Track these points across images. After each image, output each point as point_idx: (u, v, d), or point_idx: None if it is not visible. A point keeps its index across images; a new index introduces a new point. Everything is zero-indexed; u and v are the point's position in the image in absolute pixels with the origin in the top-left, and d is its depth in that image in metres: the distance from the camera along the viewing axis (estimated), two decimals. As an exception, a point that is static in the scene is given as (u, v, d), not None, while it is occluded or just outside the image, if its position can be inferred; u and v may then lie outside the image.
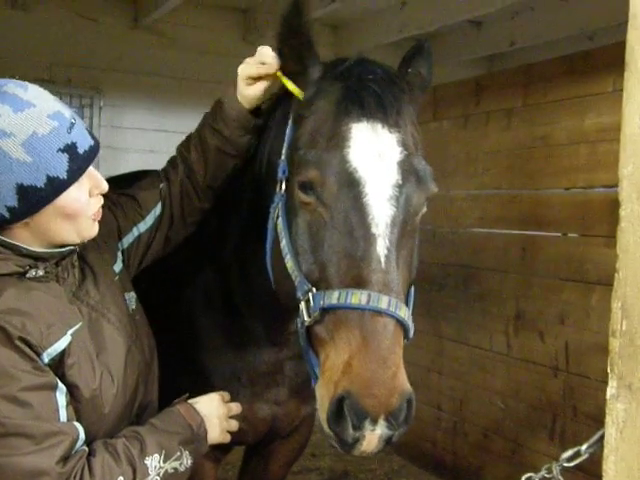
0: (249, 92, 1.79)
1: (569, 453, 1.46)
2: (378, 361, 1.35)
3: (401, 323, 1.44)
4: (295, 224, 1.58)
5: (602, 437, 1.39)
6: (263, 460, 2.41)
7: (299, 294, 1.51)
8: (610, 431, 1.36)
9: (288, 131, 1.71)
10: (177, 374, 1.97)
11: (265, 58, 1.73)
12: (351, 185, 1.50)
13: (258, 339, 2.06)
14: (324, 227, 1.51)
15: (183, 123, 3.02)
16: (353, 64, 1.66)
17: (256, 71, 1.74)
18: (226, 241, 2.04)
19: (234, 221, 2.01)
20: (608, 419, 1.36)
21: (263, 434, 2.19)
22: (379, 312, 1.40)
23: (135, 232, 1.83)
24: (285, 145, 1.70)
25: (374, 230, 1.47)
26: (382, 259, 1.45)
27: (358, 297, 1.40)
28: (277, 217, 1.66)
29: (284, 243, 1.60)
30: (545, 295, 3.51)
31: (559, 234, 3.46)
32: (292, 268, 1.56)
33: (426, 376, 4.27)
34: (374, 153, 1.52)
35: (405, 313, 1.44)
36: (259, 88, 1.79)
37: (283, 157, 1.69)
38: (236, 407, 1.78)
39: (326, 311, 1.45)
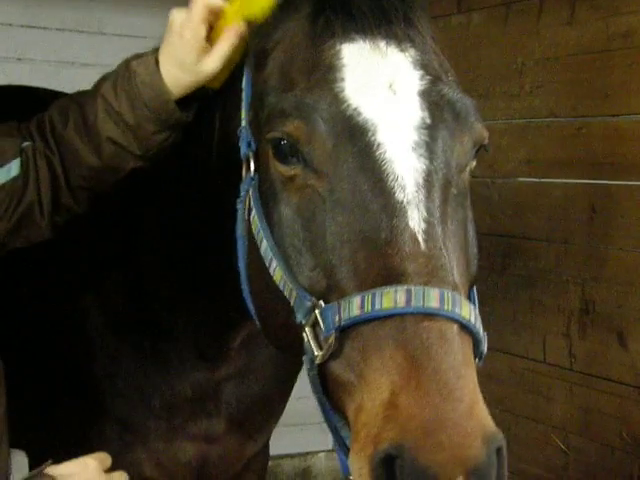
0: (206, 66, 1.82)
1: None
2: (440, 391, 1.33)
3: (466, 327, 1.45)
4: (278, 215, 1.62)
5: None
6: None
7: (300, 316, 1.53)
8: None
9: (245, 84, 1.78)
10: (57, 402, 2.09)
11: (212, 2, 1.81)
12: (354, 135, 1.53)
13: (182, 352, 2.18)
14: (322, 207, 1.55)
15: (69, 17, 2.94)
16: None
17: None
18: (141, 240, 2.19)
19: (155, 216, 2.15)
20: None
21: None
22: (429, 314, 1.40)
23: None
24: (244, 104, 1.77)
25: (400, 196, 1.49)
26: (420, 236, 1.47)
27: (392, 297, 1.41)
28: (249, 213, 1.71)
29: (265, 247, 1.64)
30: (627, 277, 3.54)
31: (647, 183, 3.50)
32: (283, 280, 1.59)
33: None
34: (381, 83, 1.56)
35: (470, 312, 1.46)
36: (219, 56, 1.81)
37: (244, 123, 1.76)
38: (120, 477, 1.81)
39: (346, 332, 1.45)
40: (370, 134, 1.54)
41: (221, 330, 2.13)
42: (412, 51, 1.63)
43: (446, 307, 1.42)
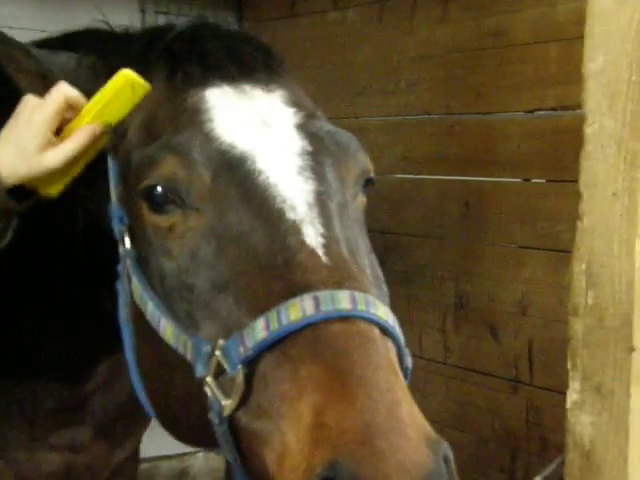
0: (47, 161, 1.68)
1: None
2: (371, 396, 1.26)
3: (386, 330, 1.40)
4: (160, 271, 1.59)
5: (562, 464, 1.44)
6: None
7: (200, 368, 1.45)
8: (572, 456, 1.40)
9: (110, 162, 1.75)
10: None
11: (74, 93, 1.72)
12: (232, 166, 1.53)
13: (47, 370, 2.13)
14: (208, 247, 1.51)
15: None
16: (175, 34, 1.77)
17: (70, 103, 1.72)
18: None
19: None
20: (569, 439, 1.39)
21: None
22: (342, 317, 1.35)
23: None
24: (112, 182, 1.74)
25: (291, 216, 1.48)
26: (320, 250, 1.45)
27: (299, 306, 1.35)
28: (129, 283, 1.67)
29: (151, 309, 1.59)
30: (498, 272, 3.59)
31: (518, 179, 3.55)
32: (175, 335, 1.53)
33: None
34: (253, 119, 1.59)
35: (387, 313, 1.41)
36: (63, 153, 1.68)
37: (114, 199, 1.73)
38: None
39: (255, 366, 1.37)
40: (249, 163, 1.53)
41: (88, 361, 2.12)
42: (280, 91, 1.66)
43: (360, 307, 1.37)
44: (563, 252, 3.18)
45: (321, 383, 1.30)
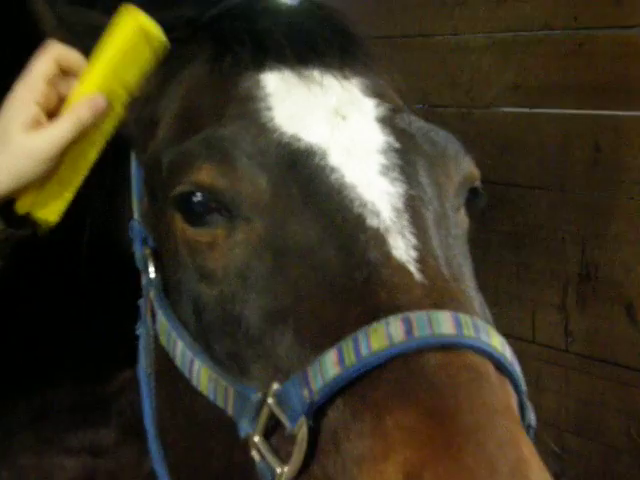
0: (32, 141, 1.57)
1: None
2: (484, 452, 1.13)
3: (501, 365, 1.29)
4: (197, 303, 1.52)
5: None
6: None
7: (245, 424, 1.36)
8: None
9: (134, 169, 1.72)
10: None
11: (65, 52, 1.62)
12: (296, 162, 1.45)
13: (58, 358, 2.06)
14: (262, 264, 1.43)
15: None
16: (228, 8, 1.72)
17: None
18: None
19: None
20: None
21: None
22: (444, 345, 1.24)
23: None
24: (135, 193, 1.71)
25: (373, 223, 1.39)
26: (412, 266, 1.35)
27: (384, 332, 1.23)
28: (154, 325, 1.63)
29: (181, 350, 1.53)
30: (638, 234, 3.33)
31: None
32: (212, 381, 1.45)
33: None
34: (324, 109, 1.52)
35: (502, 344, 1.32)
36: (53, 134, 1.57)
37: (137, 215, 1.70)
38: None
39: (322, 416, 1.27)
40: (318, 158, 1.44)
41: (110, 368, 2.03)
42: (358, 79, 1.60)
43: (467, 332, 1.25)
44: None
45: (416, 436, 1.18)
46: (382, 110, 1.56)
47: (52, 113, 1.59)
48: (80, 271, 1.84)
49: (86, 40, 1.67)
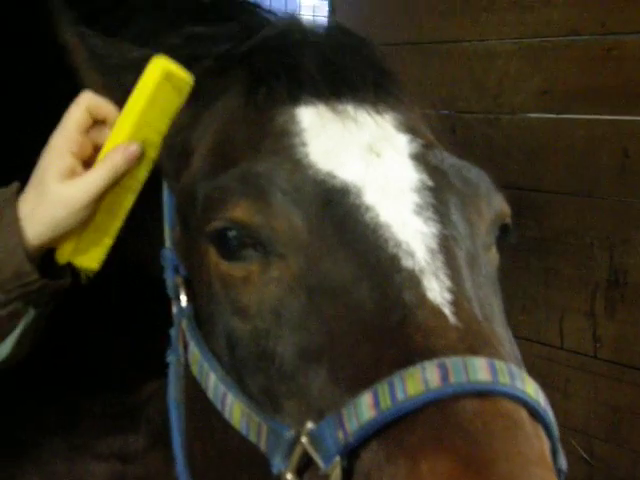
0: (66, 190, 1.59)
1: None
2: None
3: (534, 411, 1.29)
4: (230, 337, 1.53)
5: None
6: None
7: (277, 460, 1.38)
8: None
9: (166, 196, 1.73)
10: None
11: (98, 102, 1.64)
12: (331, 200, 1.46)
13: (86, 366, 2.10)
14: (296, 301, 1.44)
15: None
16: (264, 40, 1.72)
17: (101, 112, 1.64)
18: None
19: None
20: None
21: None
22: (479, 392, 1.25)
23: None
24: (167, 220, 1.72)
25: (408, 264, 1.40)
26: (446, 309, 1.36)
27: (420, 377, 1.25)
28: (186, 354, 1.64)
29: (214, 382, 1.54)
30: None
31: None
32: (245, 416, 1.46)
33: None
34: (359, 145, 1.53)
35: (537, 391, 1.32)
36: (87, 183, 1.60)
37: (169, 243, 1.71)
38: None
39: (356, 457, 1.28)
40: (353, 197, 1.44)
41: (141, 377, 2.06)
42: (392, 114, 1.60)
43: (502, 379, 1.25)
44: None
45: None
46: (415, 146, 1.57)
47: (87, 162, 1.61)
48: (112, 291, 1.87)
49: (119, 72, 1.70)
